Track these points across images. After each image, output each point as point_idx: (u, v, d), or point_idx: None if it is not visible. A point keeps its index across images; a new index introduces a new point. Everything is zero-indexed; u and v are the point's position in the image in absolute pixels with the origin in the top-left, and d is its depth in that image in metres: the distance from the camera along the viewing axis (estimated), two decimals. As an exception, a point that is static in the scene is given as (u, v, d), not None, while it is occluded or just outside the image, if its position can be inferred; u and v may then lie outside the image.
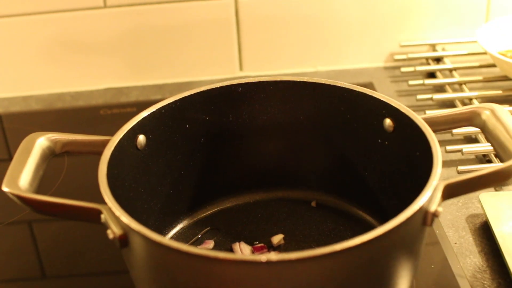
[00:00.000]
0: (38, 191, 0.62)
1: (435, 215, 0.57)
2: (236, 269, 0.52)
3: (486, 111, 0.65)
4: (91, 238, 0.77)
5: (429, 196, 0.57)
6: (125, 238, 0.57)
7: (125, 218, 0.56)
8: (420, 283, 0.69)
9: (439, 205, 0.57)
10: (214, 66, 1.08)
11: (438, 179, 0.58)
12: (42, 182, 0.66)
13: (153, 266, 0.58)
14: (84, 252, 0.76)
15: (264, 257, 0.51)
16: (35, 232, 0.82)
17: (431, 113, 0.68)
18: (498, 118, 0.63)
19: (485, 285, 0.68)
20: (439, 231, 0.75)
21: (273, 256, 0.51)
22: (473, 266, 0.71)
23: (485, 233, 0.74)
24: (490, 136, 0.64)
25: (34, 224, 0.82)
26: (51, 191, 0.85)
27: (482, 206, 0.75)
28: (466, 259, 0.71)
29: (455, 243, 0.74)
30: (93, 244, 0.76)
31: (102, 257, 0.75)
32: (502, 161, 0.61)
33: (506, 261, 0.68)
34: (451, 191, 0.59)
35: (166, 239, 0.53)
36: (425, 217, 0.57)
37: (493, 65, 1.03)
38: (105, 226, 0.58)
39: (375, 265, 0.56)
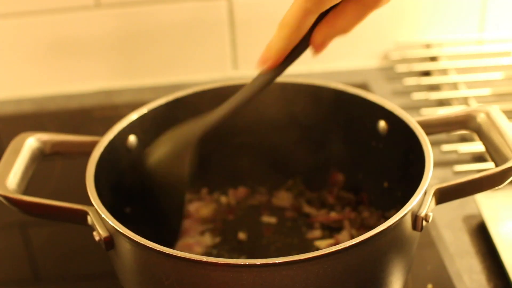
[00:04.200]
0: (28, 192, 0.62)
1: (425, 219, 0.56)
2: (219, 272, 0.52)
3: (481, 114, 0.64)
4: (84, 241, 0.76)
5: (419, 201, 0.56)
6: (110, 240, 0.57)
7: (110, 220, 0.56)
8: (416, 284, 0.68)
9: (430, 209, 0.57)
10: (208, 66, 1.08)
11: (428, 183, 0.57)
12: (36, 183, 0.66)
13: (138, 268, 0.58)
14: (77, 254, 0.76)
15: (247, 261, 0.51)
16: (29, 235, 0.82)
17: (426, 115, 0.68)
18: (493, 121, 0.63)
19: (482, 287, 0.68)
20: (435, 232, 0.74)
21: (257, 260, 0.51)
22: (469, 267, 0.70)
23: (481, 234, 0.74)
24: (484, 140, 0.63)
25: (27, 227, 0.82)
26: (46, 192, 0.84)
27: (478, 206, 0.75)
28: (463, 260, 0.71)
29: (452, 244, 0.73)
30: (86, 246, 0.75)
31: (95, 260, 0.74)
32: (496, 165, 0.60)
33: (503, 262, 0.68)
34: (444, 196, 0.59)
35: (149, 242, 0.53)
36: (415, 222, 0.57)
37: (489, 64, 1.02)
38: (92, 228, 0.58)
39: (362, 270, 0.55)
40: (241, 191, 0.79)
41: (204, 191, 0.79)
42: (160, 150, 0.66)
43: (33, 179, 0.65)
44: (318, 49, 0.56)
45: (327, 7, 0.54)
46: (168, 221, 0.69)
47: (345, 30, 0.56)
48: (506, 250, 0.69)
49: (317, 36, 0.56)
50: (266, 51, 0.58)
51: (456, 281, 0.68)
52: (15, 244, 0.79)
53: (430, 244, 0.73)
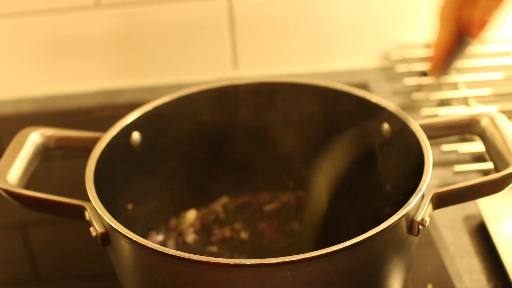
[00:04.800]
0: (32, 187, 0.62)
1: (422, 224, 0.56)
2: (210, 271, 0.52)
3: (486, 119, 0.64)
4: (84, 241, 0.76)
5: (415, 205, 0.56)
6: (106, 236, 0.57)
7: (106, 216, 0.56)
8: (416, 284, 0.68)
9: (427, 214, 0.56)
10: (208, 66, 1.07)
11: (425, 188, 0.57)
12: (41, 178, 0.66)
13: (132, 265, 0.58)
14: (77, 254, 0.76)
15: (236, 261, 0.51)
16: (29, 235, 0.82)
17: (430, 119, 0.67)
18: (497, 127, 0.63)
19: (482, 287, 0.67)
20: (435, 232, 0.74)
21: (246, 260, 0.51)
22: (469, 267, 0.70)
23: (481, 234, 0.74)
24: (487, 144, 0.63)
25: (27, 227, 0.82)
26: (50, 187, 0.84)
27: (478, 206, 0.75)
28: (463, 260, 0.71)
29: (452, 244, 0.73)
30: (86, 246, 0.75)
31: (95, 260, 0.74)
32: (497, 170, 0.60)
33: (503, 262, 0.68)
34: (442, 200, 0.58)
35: (143, 239, 0.54)
36: (411, 226, 0.56)
37: (489, 64, 1.02)
38: (89, 224, 0.59)
39: (355, 273, 0.55)
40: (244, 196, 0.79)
41: (224, 200, 0.79)
42: None
43: (38, 174, 0.66)
44: (475, 32, 0.55)
45: None
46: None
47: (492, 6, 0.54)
48: (506, 250, 0.69)
49: (474, 15, 0.55)
50: (434, 50, 0.59)
51: (456, 281, 0.68)
52: (15, 244, 0.79)
53: (430, 244, 0.73)
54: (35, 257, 0.78)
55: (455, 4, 0.55)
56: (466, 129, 0.66)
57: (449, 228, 0.75)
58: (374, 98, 0.69)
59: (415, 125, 0.64)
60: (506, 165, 0.59)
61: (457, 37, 0.57)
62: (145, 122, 0.70)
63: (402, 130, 0.65)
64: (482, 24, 0.55)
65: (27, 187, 0.62)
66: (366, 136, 0.70)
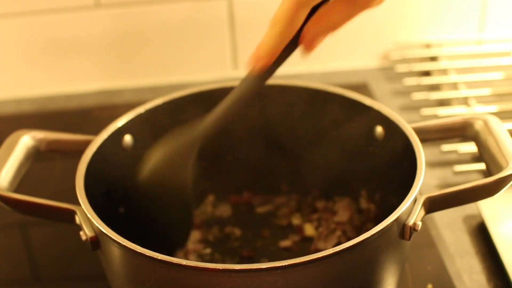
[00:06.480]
0: (25, 190, 0.62)
1: (414, 229, 0.55)
2: (198, 276, 0.52)
3: (479, 122, 0.63)
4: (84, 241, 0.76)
5: (407, 209, 0.55)
6: (96, 240, 0.57)
7: (96, 221, 0.56)
8: (416, 284, 0.68)
9: (420, 218, 0.56)
10: (208, 66, 1.07)
11: (417, 192, 0.56)
12: (34, 182, 0.66)
13: (122, 269, 0.58)
14: (77, 254, 0.76)
15: (225, 266, 0.51)
16: (29, 235, 0.82)
17: (423, 122, 0.67)
18: (490, 130, 0.62)
19: (482, 287, 0.67)
20: (435, 232, 0.74)
21: (235, 265, 0.51)
22: (469, 267, 0.70)
23: (481, 234, 0.74)
24: (481, 148, 0.62)
25: (27, 227, 0.82)
26: (43, 191, 0.84)
27: (478, 206, 0.75)
28: (463, 260, 0.71)
29: (452, 244, 0.73)
30: (86, 246, 0.75)
31: (95, 260, 0.74)
32: (491, 173, 0.59)
33: (503, 262, 0.68)
34: (435, 205, 0.58)
35: (132, 244, 0.53)
36: (403, 230, 0.56)
37: (489, 64, 1.02)
38: (80, 227, 0.58)
39: (345, 278, 0.54)
40: (239, 197, 0.79)
41: (211, 198, 0.79)
42: (159, 157, 0.64)
43: (32, 178, 0.65)
44: (308, 46, 0.55)
45: (319, 0, 0.53)
46: (173, 229, 0.68)
47: (334, 26, 0.54)
48: (506, 250, 0.69)
49: (306, 32, 0.55)
50: (258, 50, 0.56)
51: (456, 281, 0.68)
52: (15, 244, 0.79)
53: (430, 244, 0.73)
54: (35, 257, 0.78)
55: (300, 14, 0.54)
56: (459, 132, 0.65)
57: (449, 228, 0.75)
58: (367, 100, 0.69)
59: (408, 128, 0.64)
60: (500, 169, 0.58)
61: (288, 45, 0.56)
62: (137, 125, 0.69)
63: (395, 133, 0.65)
64: (319, 40, 0.55)
65: (17, 190, 0.62)
66: (359, 139, 0.70)
